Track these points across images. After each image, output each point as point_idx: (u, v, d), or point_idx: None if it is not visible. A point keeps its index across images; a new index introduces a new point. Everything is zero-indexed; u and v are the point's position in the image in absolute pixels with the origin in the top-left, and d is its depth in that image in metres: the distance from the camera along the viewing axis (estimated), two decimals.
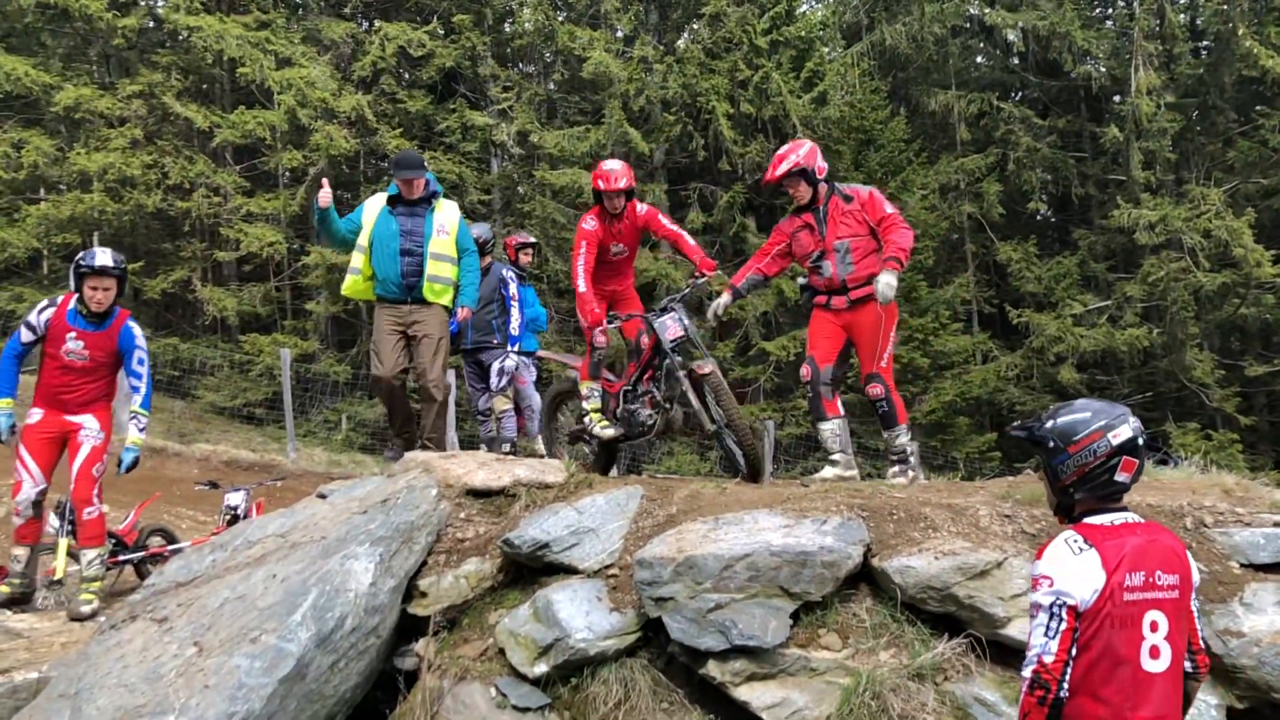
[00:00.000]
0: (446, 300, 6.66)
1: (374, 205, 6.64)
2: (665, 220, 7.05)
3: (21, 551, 6.16)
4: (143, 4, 19.42)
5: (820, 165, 6.16)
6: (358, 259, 6.62)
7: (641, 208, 6.94)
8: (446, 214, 6.70)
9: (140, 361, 6.24)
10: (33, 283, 18.52)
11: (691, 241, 6.97)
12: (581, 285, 6.68)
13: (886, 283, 5.77)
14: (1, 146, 17.87)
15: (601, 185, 6.69)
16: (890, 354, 6.05)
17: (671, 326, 6.34)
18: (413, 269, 6.48)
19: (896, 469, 6.08)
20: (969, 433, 19.28)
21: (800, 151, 6.14)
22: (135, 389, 6.24)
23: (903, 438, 6.11)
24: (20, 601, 6.13)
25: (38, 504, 6.15)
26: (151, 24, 20.33)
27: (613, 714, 4.30)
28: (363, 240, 6.57)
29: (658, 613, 4.40)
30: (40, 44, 19.95)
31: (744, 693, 4.20)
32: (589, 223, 6.79)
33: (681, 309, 6.47)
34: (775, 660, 4.24)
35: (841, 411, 6.25)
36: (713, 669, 4.25)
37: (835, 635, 4.38)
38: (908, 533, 4.67)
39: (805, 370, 6.19)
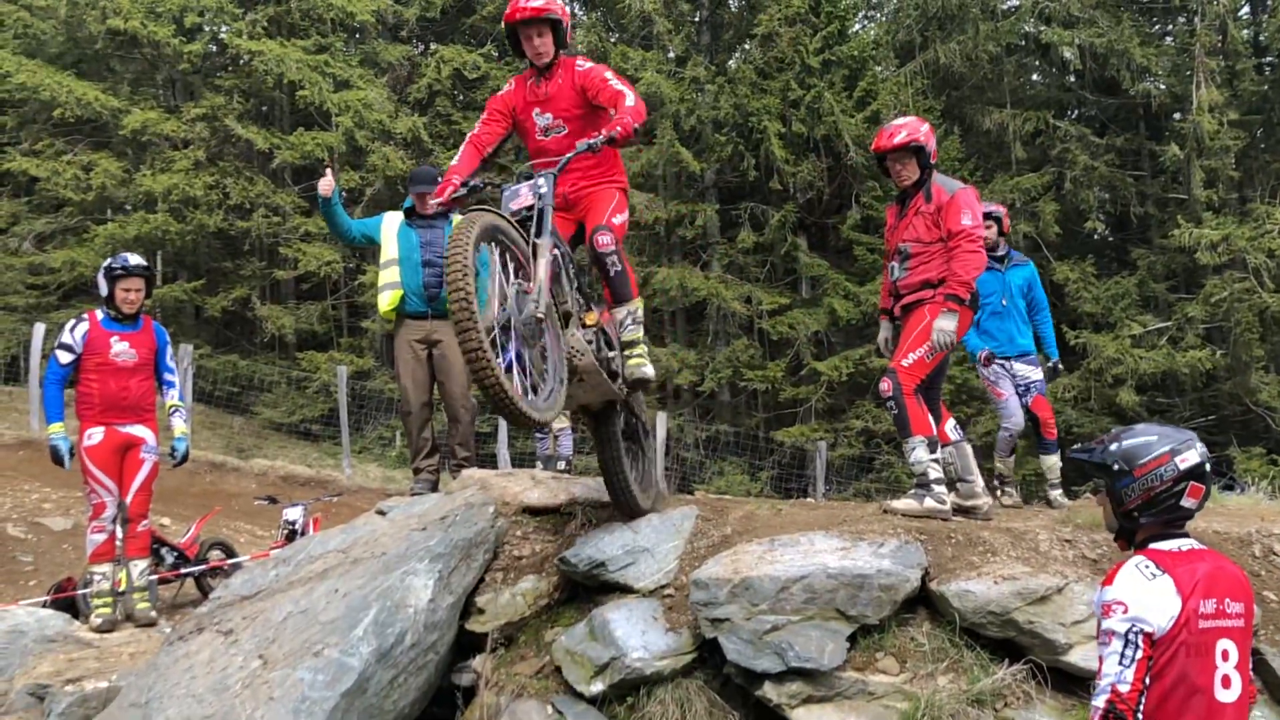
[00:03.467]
0: None
1: (392, 220, 6.73)
2: (611, 76, 4.95)
3: (107, 569, 6.23)
4: (207, 30, 19.93)
5: (934, 149, 5.39)
6: (393, 273, 6.58)
7: (584, 64, 5.02)
8: None
9: (172, 357, 6.65)
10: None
11: (631, 103, 4.74)
12: (456, 158, 4.97)
13: (939, 328, 5.15)
14: (72, 169, 18.46)
15: (509, 16, 4.86)
16: (920, 357, 5.21)
17: (524, 195, 4.45)
18: (435, 279, 6.48)
19: (910, 494, 5.23)
20: (1025, 455, 18.97)
21: (922, 128, 5.39)
22: (170, 384, 6.59)
23: (918, 451, 5.18)
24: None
25: (115, 519, 6.31)
26: (215, 49, 20.86)
27: None
28: (391, 254, 6.58)
29: (713, 633, 4.39)
30: (109, 69, 20.56)
31: (800, 715, 4.18)
32: (504, 86, 5.20)
33: (548, 177, 4.50)
34: (832, 683, 4.22)
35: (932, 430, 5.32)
36: (769, 691, 4.23)
37: (893, 659, 4.34)
38: (966, 556, 4.62)
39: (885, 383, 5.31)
